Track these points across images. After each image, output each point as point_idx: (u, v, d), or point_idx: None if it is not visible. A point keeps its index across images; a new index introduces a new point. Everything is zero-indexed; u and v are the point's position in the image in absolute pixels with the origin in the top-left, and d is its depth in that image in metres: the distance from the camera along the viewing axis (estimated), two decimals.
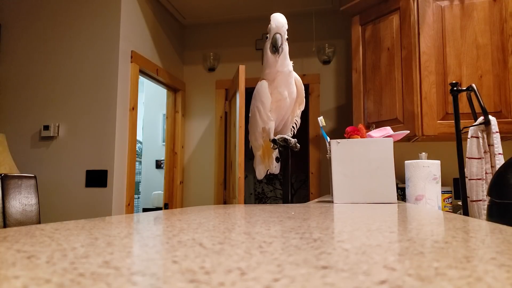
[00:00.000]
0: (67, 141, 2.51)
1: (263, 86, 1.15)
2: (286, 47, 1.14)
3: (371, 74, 2.47)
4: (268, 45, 1.11)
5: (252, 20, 3.35)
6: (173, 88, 3.35)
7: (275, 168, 1.30)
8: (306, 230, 0.41)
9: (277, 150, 1.28)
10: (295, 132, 1.31)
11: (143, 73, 2.85)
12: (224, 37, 3.44)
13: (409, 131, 1.49)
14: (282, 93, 1.16)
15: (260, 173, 1.31)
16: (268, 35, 1.11)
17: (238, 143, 2.60)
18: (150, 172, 4.70)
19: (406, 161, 1.41)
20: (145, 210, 4.50)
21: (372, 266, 0.23)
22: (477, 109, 1.47)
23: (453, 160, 1.57)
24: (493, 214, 1.02)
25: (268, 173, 1.32)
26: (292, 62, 1.19)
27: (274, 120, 1.18)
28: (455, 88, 1.49)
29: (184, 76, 3.49)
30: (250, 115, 1.23)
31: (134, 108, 2.63)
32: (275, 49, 1.10)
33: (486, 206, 1.16)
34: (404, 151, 2.53)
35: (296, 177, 5.29)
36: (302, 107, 1.26)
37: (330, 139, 1.22)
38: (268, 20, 1.16)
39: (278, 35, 1.09)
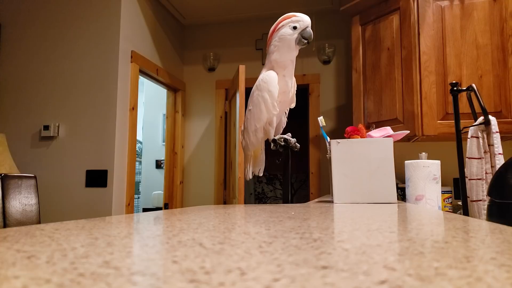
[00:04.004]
0: (67, 141, 2.51)
1: (271, 76, 1.14)
2: None
3: (371, 74, 2.47)
4: (295, 35, 1.13)
5: (252, 20, 3.35)
6: (173, 88, 3.35)
7: (260, 171, 1.30)
8: (306, 230, 0.41)
9: (263, 151, 1.28)
10: (280, 131, 1.30)
11: (143, 73, 2.85)
12: (224, 37, 3.44)
13: (409, 131, 1.49)
14: (288, 82, 1.16)
15: (249, 174, 1.31)
16: (295, 25, 1.13)
17: (238, 143, 2.60)
18: (150, 172, 4.70)
19: (406, 161, 1.41)
20: (145, 210, 4.50)
21: (372, 266, 0.23)
22: (477, 109, 1.47)
23: (453, 160, 1.57)
24: (493, 214, 1.02)
25: (253, 174, 1.32)
26: None
27: (277, 113, 1.17)
28: (455, 88, 1.49)
29: (184, 76, 3.49)
30: (250, 107, 1.20)
31: (134, 108, 2.63)
32: (308, 42, 1.13)
33: (486, 206, 1.16)
34: (404, 151, 2.53)
35: (296, 177, 5.29)
36: (293, 105, 1.25)
37: (330, 139, 1.22)
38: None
39: (310, 29, 1.14)
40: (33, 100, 2.60)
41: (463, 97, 1.99)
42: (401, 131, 1.31)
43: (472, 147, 1.44)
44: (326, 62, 3.20)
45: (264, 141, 1.23)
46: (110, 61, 2.50)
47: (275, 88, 1.13)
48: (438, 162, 1.36)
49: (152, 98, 4.74)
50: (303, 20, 1.14)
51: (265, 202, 5.44)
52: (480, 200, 1.39)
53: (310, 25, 1.15)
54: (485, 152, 1.42)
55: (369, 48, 2.50)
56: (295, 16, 1.15)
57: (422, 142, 2.60)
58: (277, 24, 1.16)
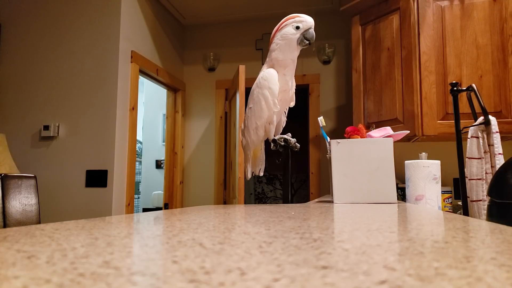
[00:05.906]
0: (67, 141, 2.51)
1: (271, 73, 1.14)
2: None
3: (371, 74, 2.47)
4: (297, 35, 1.13)
5: (252, 20, 3.34)
6: (173, 88, 3.35)
7: (260, 170, 1.30)
8: (306, 230, 0.41)
9: (263, 151, 1.27)
10: (280, 130, 1.30)
11: (143, 73, 2.85)
12: (224, 37, 3.44)
13: (409, 131, 1.49)
14: (288, 82, 1.16)
15: (249, 174, 1.30)
16: (298, 25, 1.13)
17: (238, 143, 2.60)
18: (150, 172, 4.70)
19: (406, 161, 1.41)
20: (145, 210, 4.49)
21: (372, 266, 0.23)
22: (477, 109, 1.47)
23: (453, 160, 1.57)
24: (493, 214, 1.02)
25: (253, 174, 1.31)
26: None
27: (278, 110, 1.16)
28: (455, 88, 1.49)
29: (184, 76, 3.49)
30: (251, 105, 1.20)
31: (134, 108, 2.63)
32: (309, 43, 1.14)
33: (486, 206, 1.16)
34: (404, 151, 2.53)
35: (296, 177, 5.29)
36: (292, 103, 1.25)
37: (330, 139, 1.22)
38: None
39: (313, 30, 1.14)
40: (33, 100, 2.60)
41: (463, 97, 1.99)
42: (401, 131, 1.31)
43: (472, 147, 1.44)
44: (326, 62, 3.20)
45: (264, 140, 1.23)
46: (110, 61, 2.50)
47: (275, 85, 1.13)
48: (438, 162, 1.36)
49: (152, 98, 4.74)
50: (307, 21, 1.14)
51: (265, 202, 5.44)
52: (480, 200, 1.39)
53: (313, 27, 1.15)
54: (485, 152, 1.42)
55: (369, 48, 2.50)
56: (299, 16, 1.15)
57: (422, 142, 2.60)
58: (281, 24, 1.16)
